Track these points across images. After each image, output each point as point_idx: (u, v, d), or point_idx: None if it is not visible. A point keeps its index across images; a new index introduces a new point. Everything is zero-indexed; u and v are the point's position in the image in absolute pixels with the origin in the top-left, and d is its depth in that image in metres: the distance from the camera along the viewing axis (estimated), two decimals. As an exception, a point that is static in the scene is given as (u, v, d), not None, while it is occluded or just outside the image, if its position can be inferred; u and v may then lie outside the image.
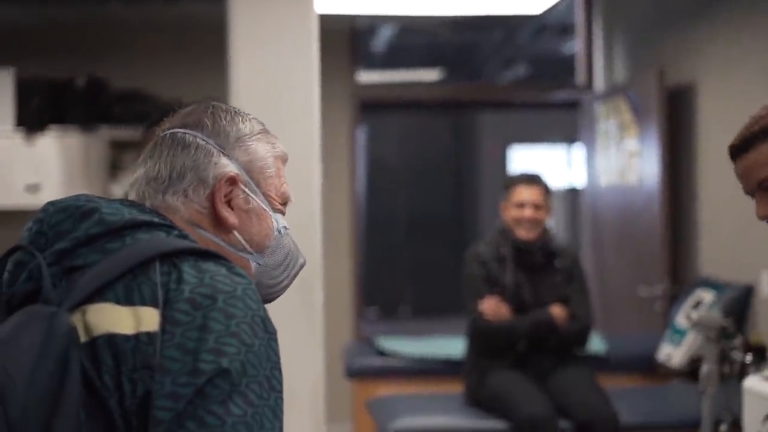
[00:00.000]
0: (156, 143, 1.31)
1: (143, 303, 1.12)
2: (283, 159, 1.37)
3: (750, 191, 1.80)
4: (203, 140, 1.29)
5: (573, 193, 9.94)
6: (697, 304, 4.38)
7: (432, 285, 11.11)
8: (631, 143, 5.27)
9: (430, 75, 8.24)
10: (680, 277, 5.04)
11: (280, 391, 1.14)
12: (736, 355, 3.71)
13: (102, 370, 1.10)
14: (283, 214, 1.37)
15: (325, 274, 3.70)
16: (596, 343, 4.51)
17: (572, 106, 6.27)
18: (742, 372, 3.61)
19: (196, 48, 5.46)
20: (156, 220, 1.22)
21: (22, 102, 4.80)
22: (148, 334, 1.10)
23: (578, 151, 6.49)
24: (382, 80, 7.67)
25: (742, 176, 1.79)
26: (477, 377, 3.92)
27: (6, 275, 1.19)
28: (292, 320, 2.79)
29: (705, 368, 3.70)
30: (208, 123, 1.31)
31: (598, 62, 6.08)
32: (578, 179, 6.95)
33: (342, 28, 5.86)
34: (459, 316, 4.03)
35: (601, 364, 4.41)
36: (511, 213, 3.96)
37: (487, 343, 3.91)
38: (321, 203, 3.23)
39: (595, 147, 5.81)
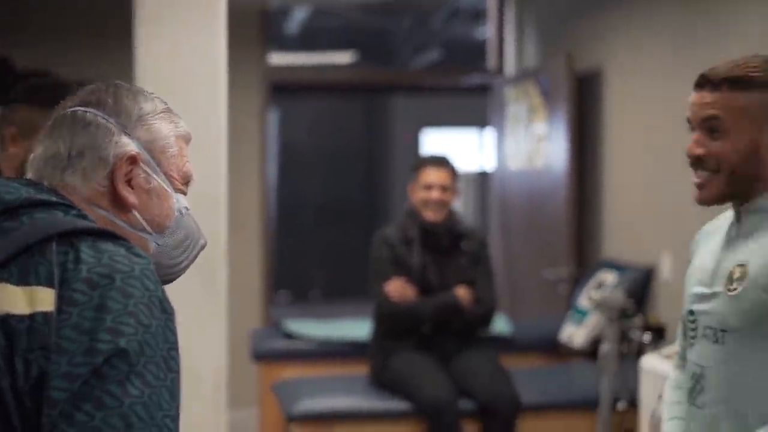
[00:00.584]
0: (56, 121, 1.29)
1: (39, 283, 1.11)
2: (186, 139, 1.36)
3: (696, 123, 1.74)
4: (104, 119, 1.28)
5: (483, 177, 10.04)
6: (600, 285, 4.48)
7: (343, 269, 11.14)
8: (540, 127, 5.35)
9: (343, 58, 8.24)
10: (585, 260, 5.15)
11: (178, 372, 1.14)
12: (635, 334, 3.82)
13: (-6, 350, 1.08)
14: (185, 194, 1.36)
15: (234, 258, 3.67)
16: (501, 325, 4.58)
17: (484, 90, 6.35)
18: (640, 351, 3.73)
19: (101, 28, 5.34)
20: (54, 199, 1.21)
21: None
22: (44, 314, 1.09)
23: (489, 135, 6.56)
24: (295, 62, 7.63)
25: (700, 106, 1.72)
26: (381, 359, 3.95)
27: None
28: (193, 302, 2.77)
29: (604, 347, 3.81)
30: (110, 101, 1.30)
31: (510, 47, 6.15)
32: (488, 163, 7.03)
33: (253, 9, 5.81)
34: (368, 300, 4.04)
35: (505, 345, 4.48)
36: (418, 195, 3.99)
37: (392, 325, 3.94)
38: (229, 186, 3.21)
39: (504, 131, 5.88)
